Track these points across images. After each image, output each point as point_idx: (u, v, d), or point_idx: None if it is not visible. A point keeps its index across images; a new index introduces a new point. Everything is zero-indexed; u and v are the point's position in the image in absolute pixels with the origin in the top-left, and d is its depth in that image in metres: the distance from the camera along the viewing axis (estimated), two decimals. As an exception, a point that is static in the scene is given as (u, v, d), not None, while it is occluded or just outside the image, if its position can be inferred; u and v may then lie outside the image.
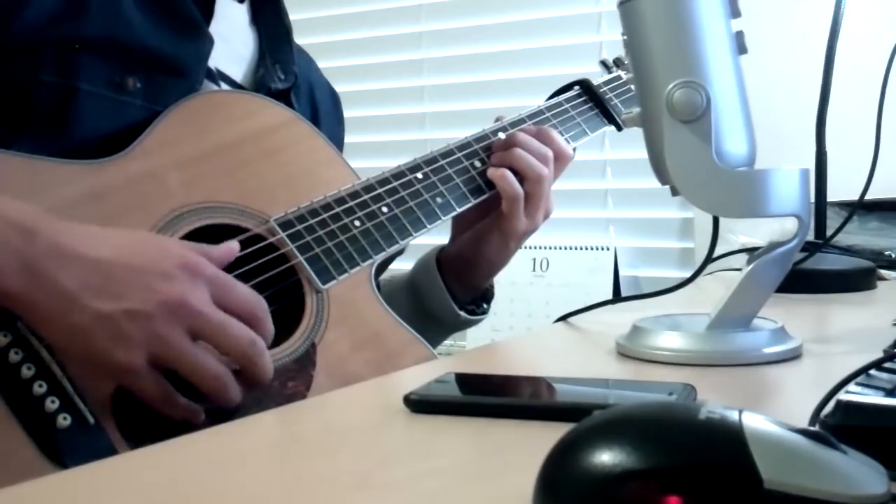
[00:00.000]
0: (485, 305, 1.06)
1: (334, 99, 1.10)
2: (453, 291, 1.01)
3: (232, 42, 0.92)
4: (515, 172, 0.96)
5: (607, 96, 1.13)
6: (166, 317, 0.64)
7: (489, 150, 0.99)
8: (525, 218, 0.97)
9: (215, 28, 0.88)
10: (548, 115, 1.07)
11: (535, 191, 0.97)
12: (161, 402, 0.66)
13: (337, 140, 0.99)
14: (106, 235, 0.67)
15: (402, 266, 1.06)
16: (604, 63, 1.22)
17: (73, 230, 0.66)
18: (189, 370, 0.65)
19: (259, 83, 0.92)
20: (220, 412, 0.69)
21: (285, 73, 0.95)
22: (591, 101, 1.12)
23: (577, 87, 1.12)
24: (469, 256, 1.02)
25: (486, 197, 0.97)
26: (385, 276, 1.06)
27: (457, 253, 1.03)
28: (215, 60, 0.88)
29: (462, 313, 1.01)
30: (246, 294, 0.69)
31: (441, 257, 1.03)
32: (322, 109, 1.02)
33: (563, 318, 0.86)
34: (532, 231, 1.00)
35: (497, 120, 1.02)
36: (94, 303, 0.63)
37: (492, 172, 0.97)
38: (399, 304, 1.00)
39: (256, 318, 0.68)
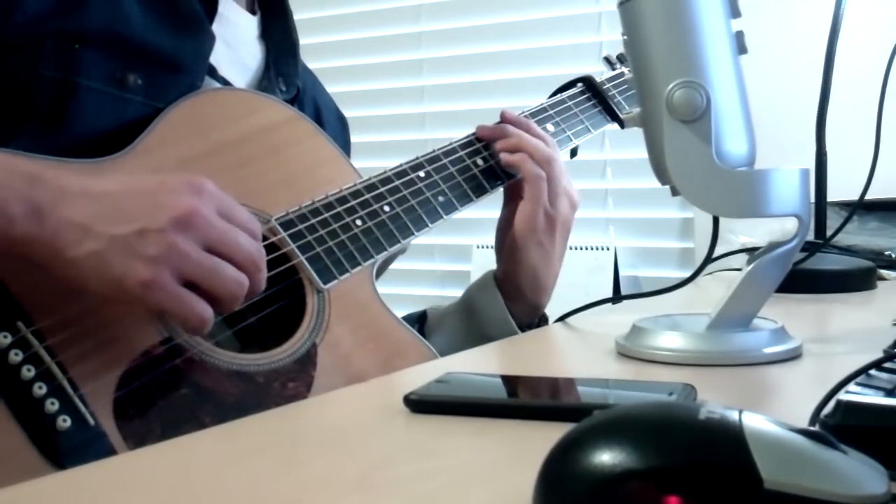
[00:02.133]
0: None
1: (342, 124, 1.09)
2: (511, 312, 0.98)
3: (238, 50, 0.92)
4: None
5: (610, 93, 1.12)
6: (180, 230, 0.65)
7: (491, 148, 0.98)
8: (548, 206, 0.96)
9: (220, 32, 0.87)
10: (551, 112, 1.06)
11: (549, 173, 0.96)
12: (189, 313, 0.66)
13: None
14: (110, 175, 0.70)
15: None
16: (607, 59, 1.21)
17: (79, 170, 0.68)
18: (208, 278, 0.66)
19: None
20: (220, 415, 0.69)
21: (287, 86, 0.95)
22: (594, 98, 1.12)
23: (580, 84, 1.12)
24: (511, 271, 0.99)
25: (488, 194, 0.97)
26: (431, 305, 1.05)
27: (502, 274, 1.00)
28: (218, 64, 0.87)
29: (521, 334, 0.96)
30: (245, 212, 0.71)
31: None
32: (329, 132, 1.02)
33: (562, 318, 0.86)
34: (559, 224, 0.98)
35: (502, 115, 1.02)
36: (106, 228, 0.64)
37: (507, 157, 0.96)
38: (449, 327, 0.99)
39: (255, 234, 0.71)
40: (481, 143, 0.99)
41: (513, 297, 0.99)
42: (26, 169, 0.65)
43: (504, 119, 1.01)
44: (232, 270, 0.67)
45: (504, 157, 0.97)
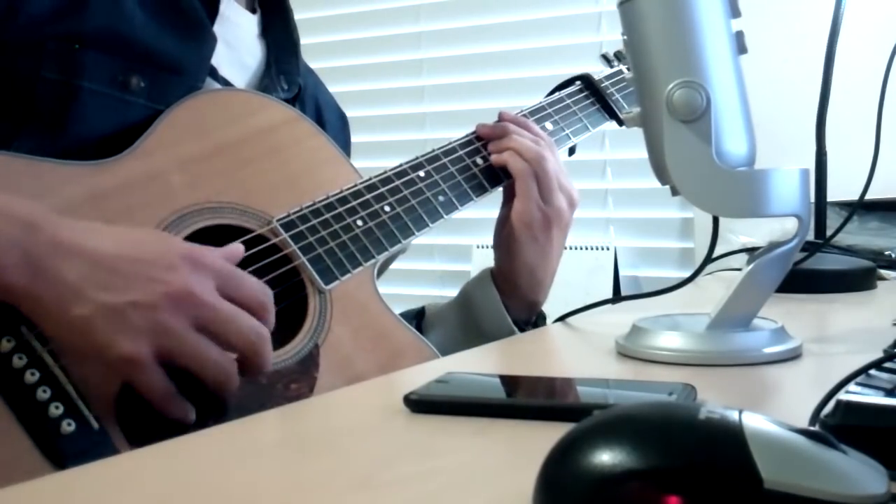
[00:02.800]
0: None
1: (343, 122, 1.09)
2: (508, 308, 0.99)
3: (238, 50, 0.92)
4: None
5: (609, 91, 1.12)
6: (171, 308, 0.63)
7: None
8: (542, 202, 0.96)
9: (221, 32, 0.87)
10: (549, 110, 1.06)
11: (538, 170, 0.96)
12: (162, 398, 0.65)
13: None
14: (108, 231, 0.67)
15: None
16: (605, 57, 1.21)
17: (74, 225, 0.65)
18: (194, 361, 0.64)
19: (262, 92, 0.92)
20: (218, 414, 0.69)
21: (289, 84, 0.95)
22: (592, 96, 1.11)
23: (578, 82, 1.12)
24: (507, 267, 0.99)
25: (489, 193, 0.97)
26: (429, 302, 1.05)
27: (498, 271, 1.01)
28: (218, 65, 0.87)
29: (517, 331, 0.97)
30: (252, 284, 0.68)
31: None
32: (330, 131, 1.02)
33: (562, 318, 0.86)
34: (555, 220, 0.97)
35: (500, 115, 1.02)
36: (97, 295, 0.62)
37: (496, 157, 0.97)
38: (447, 323, 0.99)
39: (263, 307, 0.68)
40: (481, 142, 0.99)
41: (509, 294, 0.99)
42: (22, 215, 0.63)
43: (502, 119, 1.01)
44: (216, 355, 0.65)
45: (494, 157, 0.97)
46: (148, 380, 0.64)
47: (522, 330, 0.99)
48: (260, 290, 0.68)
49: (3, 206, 0.63)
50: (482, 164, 0.97)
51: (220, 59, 0.87)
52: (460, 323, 0.99)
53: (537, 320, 1.03)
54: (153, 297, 0.63)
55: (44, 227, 0.63)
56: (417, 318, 1.03)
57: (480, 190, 0.96)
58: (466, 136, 0.99)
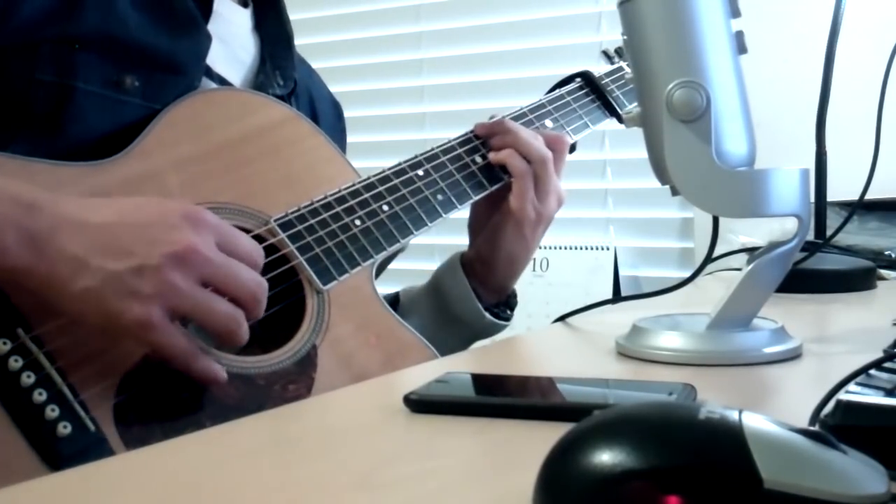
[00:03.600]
0: (508, 312, 1.04)
1: (337, 111, 1.09)
2: (478, 293, 1.00)
3: (231, 46, 0.92)
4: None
5: (609, 88, 1.12)
6: (175, 267, 0.64)
7: (489, 145, 0.98)
8: (537, 202, 0.96)
9: (215, 30, 0.87)
10: (549, 107, 1.06)
11: (541, 172, 0.96)
12: (185, 356, 0.66)
13: None
14: (107, 202, 0.69)
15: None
16: (605, 53, 1.21)
17: (74, 202, 0.67)
18: (206, 316, 0.66)
19: (258, 89, 0.92)
20: (219, 413, 0.69)
21: (284, 79, 0.95)
22: (593, 93, 1.11)
23: (578, 80, 1.12)
24: (487, 255, 1.00)
25: (488, 192, 0.96)
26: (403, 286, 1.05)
27: (476, 255, 1.02)
28: (213, 62, 0.87)
29: (487, 315, 0.99)
30: (246, 240, 0.70)
31: (463, 262, 1.02)
32: (324, 120, 1.02)
33: (562, 318, 0.86)
34: (545, 220, 0.99)
35: (491, 118, 1.01)
36: (102, 263, 0.63)
37: (494, 155, 0.96)
38: (421, 309, 0.99)
39: (257, 265, 0.70)
40: (479, 140, 0.98)
41: (483, 279, 1.01)
42: (22, 195, 0.64)
43: (479, 131, 1.00)
44: (226, 307, 0.67)
45: (492, 155, 0.97)
46: (166, 340, 0.65)
47: (494, 314, 1.01)
48: (253, 246, 0.71)
49: (2, 187, 0.64)
50: (481, 162, 0.97)
51: (215, 56, 0.87)
52: (432, 307, 1.01)
53: (509, 300, 1.05)
54: (158, 259, 0.64)
55: (43, 206, 0.64)
56: (392, 304, 1.03)
57: (480, 189, 0.96)
58: (465, 134, 0.99)
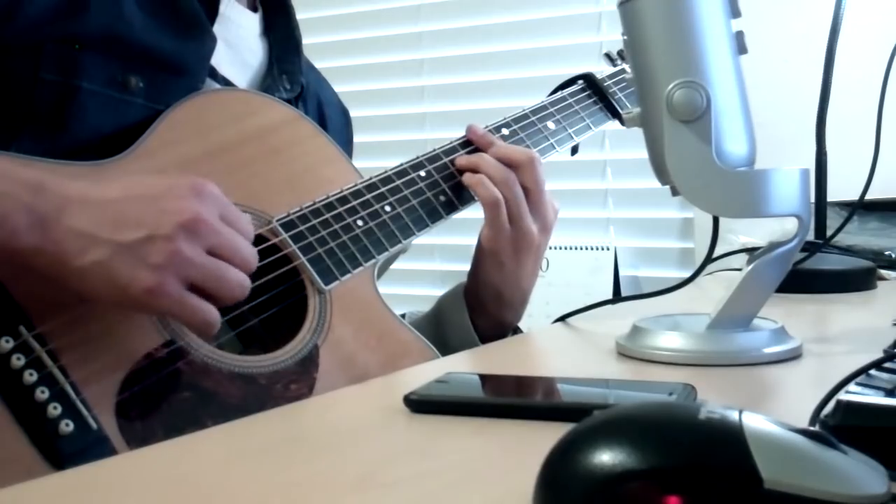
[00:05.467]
0: None
1: (346, 118, 1.09)
2: (476, 326, 0.95)
3: (239, 49, 0.92)
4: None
5: (611, 90, 1.12)
6: (187, 236, 0.65)
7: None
8: (512, 230, 0.91)
9: (221, 33, 0.87)
10: (551, 109, 1.06)
11: (508, 194, 0.91)
12: (204, 322, 0.67)
13: None
14: (113, 181, 0.69)
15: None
16: (608, 56, 1.21)
17: (81, 181, 0.67)
18: (214, 282, 0.67)
19: (264, 92, 0.92)
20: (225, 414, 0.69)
21: (291, 83, 0.95)
22: (595, 95, 1.11)
23: (580, 82, 1.12)
24: (473, 289, 0.97)
25: None
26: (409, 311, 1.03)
27: (467, 289, 0.98)
28: (218, 65, 0.87)
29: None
30: (241, 214, 0.72)
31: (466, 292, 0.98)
32: (332, 127, 1.01)
33: (562, 318, 0.86)
34: (527, 246, 0.93)
35: (468, 129, 0.97)
36: (111, 236, 0.64)
37: (468, 179, 0.92)
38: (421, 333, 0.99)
39: (249, 236, 0.71)
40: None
41: (476, 311, 0.97)
42: (28, 178, 0.65)
43: (470, 133, 0.97)
44: (235, 273, 0.68)
45: (466, 177, 0.93)
46: (182, 307, 0.66)
47: None
48: (246, 220, 0.72)
49: (9, 171, 0.64)
50: None
51: (221, 59, 0.87)
52: (430, 337, 0.93)
53: (512, 333, 0.99)
54: (168, 229, 0.65)
55: (50, 186, 0.65)
56: None
57: None
58: (466, 135, 0.98)
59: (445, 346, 0.94)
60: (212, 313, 0.68)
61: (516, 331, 1.00)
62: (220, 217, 0.69)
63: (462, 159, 0.94)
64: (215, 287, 0.67)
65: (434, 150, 0.95)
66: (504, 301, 0.96)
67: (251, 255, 0.70)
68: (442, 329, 0.98)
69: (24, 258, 0.63)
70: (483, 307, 0.96)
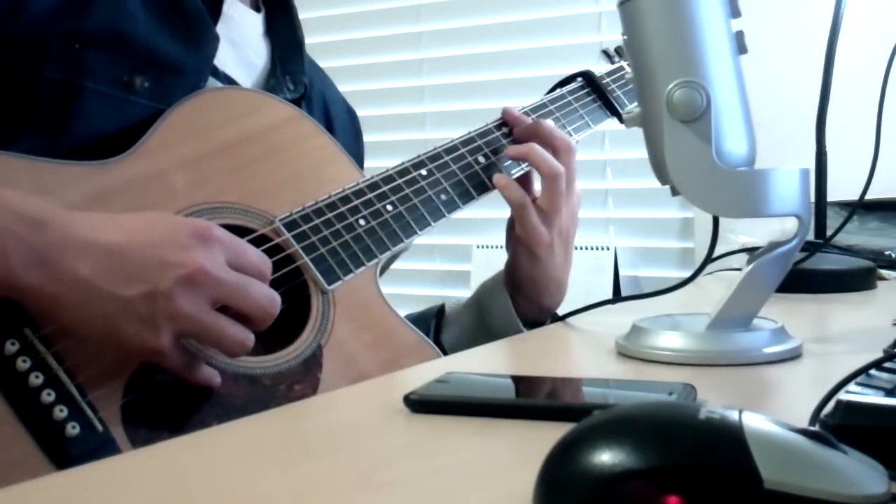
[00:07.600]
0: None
1: (351, 116, 1.09)
2: (518, 309, 0.97)
3: (243, 49, 0.92)
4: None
5: (610, 87, 1.12)
6: (186, 291, 0.65)
7: (492, 144, 0.98)
8: (543, 226, 0.94)
9: (225, 32, 0.87)
10: (551, 107, 1.06)
11: (551, 188, 0.94)
12: (186, 372, 0.68)
13: (355, 156, 0.96)
14: (116, 220, 0.68)
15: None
16: (606, 53, 1.21)
17: (83, 219, 0.66)
18: (214, 337, 0.67)
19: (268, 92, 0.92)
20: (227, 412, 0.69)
21: (295, 84, 0.95)
22: (594, 92, 1.11)
23: (579, 79, 1.12)
24: (512, 278, 0.99)
25: (490, 192, 0.96)
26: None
27: (506, 275, 1.00)
28: (223, 65, 0.87)
29: (525, 330, 0.96)
30: (254, 252, 0.71)
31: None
32: (338, 125, 1.01)
33: (562, 318, 0.86)
34: (560, 236, 0.95)
35: (504, 112, 1.00)
36: (113, 288, 0.64)
37: (497, 179, 0.95)
38: (463, 322, 0.99)
39: (266, 277, 0.70)
40: (483, 139, 0.98)
41: (516, 297, 0.99)
42: (29, 212, 0.63)
43: (507, 117, 1.00)
44: (234, 331, 0.67)
45: (495, 176, 0.95)
46: (171, 361, 0.67)
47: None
48: (261, 258, 0.71)
49: (11, 203, 0.63)
50: (484, 162, 0.97)
51: (225, 59, 0.87)
52: (474, 322, 0.99)
53: (555, 320, 1.01)
54: (169, 284, 0.64)
55: (53, 224, 0.64)
56: (437, 315, 1.03)
57: (483, 189, 0.95)
58: (468, 134, 0.98)
59: (490, 331, 0.97)
60: (214, 380, 0.69)
61: (555, 317, 1.01)
62: (228, 263, 0.67)
63: (512, 149, 0.96)
64: (216, 342, 0.68)
65: (435, 148, 0.95)
66: (540, 288, 0.98)
67: (264, 297, 0.69)
68: (484, 315, 1.00)
69: (21, 295, 0.63)
70: (522, 292, 0.99)
